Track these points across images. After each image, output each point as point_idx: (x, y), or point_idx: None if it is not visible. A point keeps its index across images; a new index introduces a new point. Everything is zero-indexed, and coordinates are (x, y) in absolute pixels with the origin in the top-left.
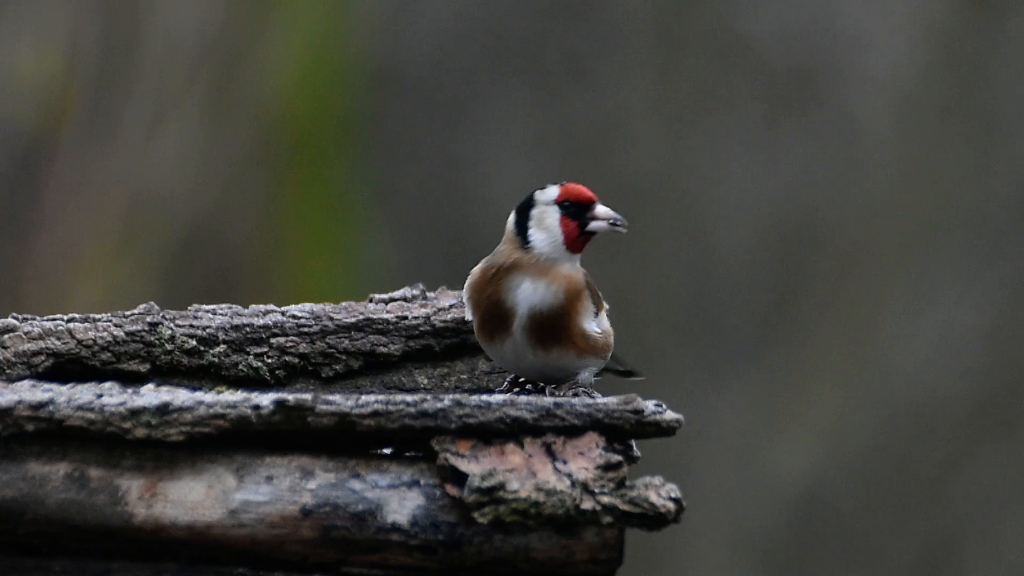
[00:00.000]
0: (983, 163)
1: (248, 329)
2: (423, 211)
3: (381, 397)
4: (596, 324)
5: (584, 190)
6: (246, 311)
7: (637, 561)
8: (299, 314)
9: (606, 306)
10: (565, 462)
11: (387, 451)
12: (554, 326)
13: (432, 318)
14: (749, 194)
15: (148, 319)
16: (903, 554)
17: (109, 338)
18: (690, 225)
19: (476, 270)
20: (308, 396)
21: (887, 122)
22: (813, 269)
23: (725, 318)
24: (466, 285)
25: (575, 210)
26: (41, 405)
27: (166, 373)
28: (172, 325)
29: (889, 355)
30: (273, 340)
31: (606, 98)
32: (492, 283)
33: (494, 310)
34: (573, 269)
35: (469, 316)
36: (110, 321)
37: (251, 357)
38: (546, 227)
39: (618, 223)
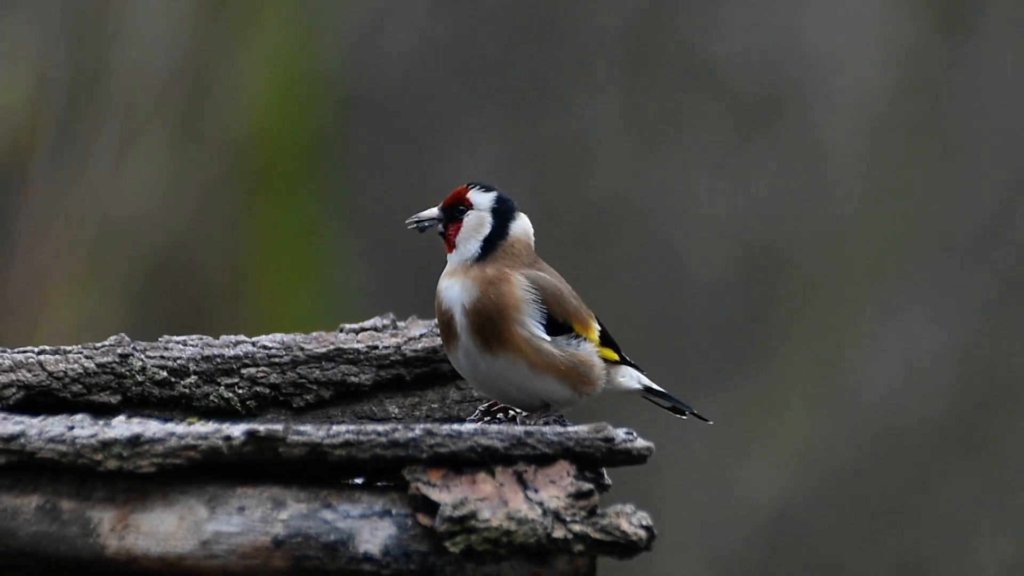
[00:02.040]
0: (950, 184)
1: (219, 360)
2: (394, 235)
3: (352, 427)
4: (549, 337)
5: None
6: (217, 342)
7: None
8: (270, 344)
9: (593, 336)
10: (536, 491)
11: (359, 481)
12: (487, 322)
13: (403, 347)
14: (717, 216)
15: (119, 350)
16: (875, 574)
17: (80, 370)
18: (658, 247)
19: None
20: (279, 427)
21: (854, 144)
22: (781, 290)
23: (693, 340)
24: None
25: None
26: (12, 437)
27: (137, 404)
28: (143, 356)
29: (857, 376)
30: (244, 371)
31: (574, 120)
32: (437, 293)
33: (439, 316)
34: (493, 270)
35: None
36: (81, 353)
37: (222, 388)
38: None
39: (414, 223)
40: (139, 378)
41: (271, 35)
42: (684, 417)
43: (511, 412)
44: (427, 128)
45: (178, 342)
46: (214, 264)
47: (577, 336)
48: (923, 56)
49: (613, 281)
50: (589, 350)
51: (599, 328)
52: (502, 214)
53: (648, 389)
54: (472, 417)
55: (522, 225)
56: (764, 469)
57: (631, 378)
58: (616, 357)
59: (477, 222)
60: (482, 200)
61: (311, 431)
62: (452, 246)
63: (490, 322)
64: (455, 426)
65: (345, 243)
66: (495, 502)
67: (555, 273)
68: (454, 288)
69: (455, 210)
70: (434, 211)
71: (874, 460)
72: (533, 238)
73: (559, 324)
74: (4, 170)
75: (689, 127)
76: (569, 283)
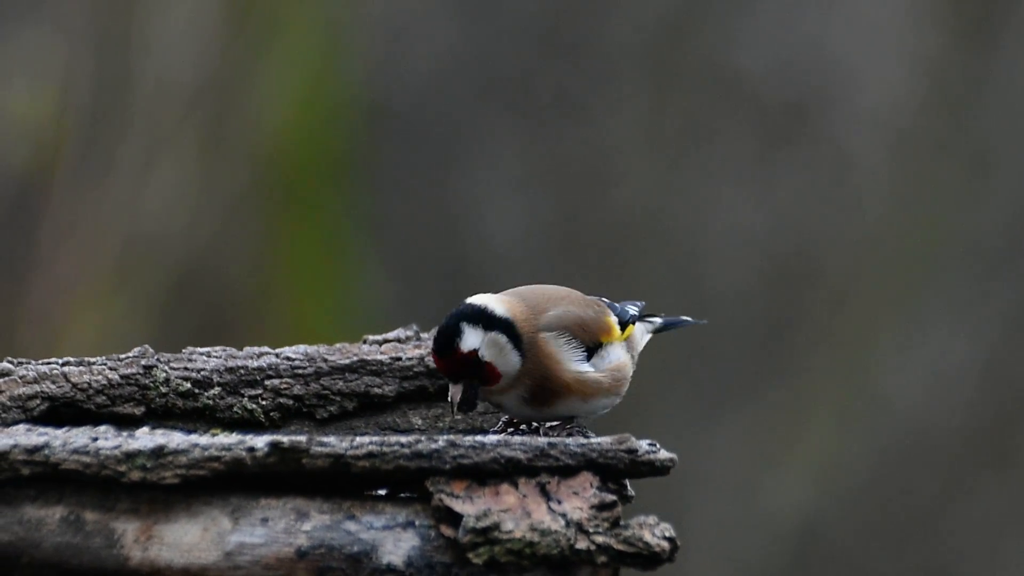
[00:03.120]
0: (976, 195)
1: (242, 371)
2: (418, 247)
3: (375, 438)
4: (588, 363)
5: None
6: (240, 353)
7: None
8: (293, 356)
9: (616, 333)
10: (560, 502)
11: (382, 492)
12: (541, 392)
13: (426, 359)
14: (742, 228)
15: (143, 362)
16: None
17: (104, 381)
18: (683, 259)
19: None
20: (303, 438)
21: (879, 155)
22: (807, 302)
23: (719, 352)
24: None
25: None
26: (36, 449)
27: (161, 416)
28: (167, 368)
29: (884, 387)
30: (267, 382)
31: (598, 133)
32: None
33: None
34: (531, 356)
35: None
36: (105, 364)
37: (246, 399)
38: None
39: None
40: (163, 389)
41: (296, 49)
42: (690, 323)
43: (534, 424)
44: (451, 141)
45: (202, 354)
46: (239, 277)
47: (604, 347)
48: (948, 67)
49: (638, 294)
50: (619, 353)
51: (615, 318)
52: (491, 321)
53: (654, 331)
54: (495, 428)
55: (508, 308)
56: (790, 480)
57: (643, 335)
58: (631, 330)
59: (496, 347)
60: (475, 336)
61: (334, 442)
62: (498, 378)
63: (544, 391)
64: (478, 437)
65: (369, 256)
66: (518, 513)
67: (554, 294)
68: (512, 396)
69: (471, 365)
70: (456, 390)
71: (900, 471)
72: (512, 296)
73: (592, 348)
74: (29, 182)
75: (714, 139)
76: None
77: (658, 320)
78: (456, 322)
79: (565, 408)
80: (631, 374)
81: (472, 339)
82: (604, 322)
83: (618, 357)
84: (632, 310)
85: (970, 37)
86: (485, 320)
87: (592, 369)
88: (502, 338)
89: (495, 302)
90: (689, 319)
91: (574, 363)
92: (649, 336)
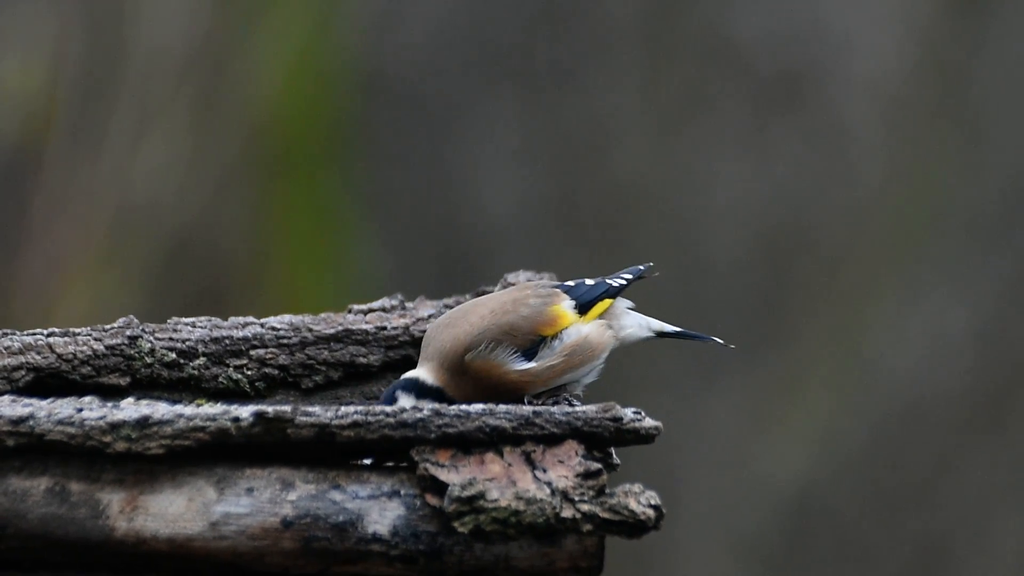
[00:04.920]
0: (971, 163)
1: (227, 341)
2: (413, 218)
3: (360, 408)
4: (532, 360)
5: None
6: (225, 323)
7: (630, 564)
8: (278, 326)
9: (567, 319)
10: (545, 471)
11: (367, 462)
12: (502, 395)
13: (411, 328)
14: (738, 197)
15: (128, 332)
16: (897, 554)
17: (89, 352)
18: (679, 228)
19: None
20: (288, 408)
21: (875, 124)
22: (802, 271)
23: (715, 321)
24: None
25: None
26: (21, 420)
27: (146, 386)
28: (152, 338)
29: (879, 355)
30: (253, 352)
31: (594, 103)
32: None
33: None
34: (458, 390)
35: None
36: (90, 335)
37: (231, 369)
38: None
39: None
40: (148, 360)
41: (289, 17)
42: (711, 343)
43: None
44: (446, 111)
45: (187, 324)
46: (232, 248)
47: (555, 336)
48: (943, 34)
49: (635, 263)
50: (574, 331)
51: (572, 303)
52: (423, 391)
53: (660, 334)
54: None
55: (435, 377)
56: (786, 449)
57: (639, 327)
58: (608, 304)
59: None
60: (409, 401)
61: (319, 412)
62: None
63: (501, 393)
64: (463, 406)
65: (364, 226)
66: (503, 482)
67: (481, 307)
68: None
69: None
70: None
71: (896, 439)
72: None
73: (531, 346)
74: (20, 153)
75: (709, 109)
76: (588, 268)
77: (668, 329)
78: (393, 390)
79: (531, 393)
80: (605, 344)
81: (406, 403)
82: (545, 315)
83: (574, 338)
84: (616, 281)
85: (964, 4)
86: (417, 390)
87: (534, 364)
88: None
89: (425, 374)
90: (719, 340)
91: (515, 364)
92: (649, 335)
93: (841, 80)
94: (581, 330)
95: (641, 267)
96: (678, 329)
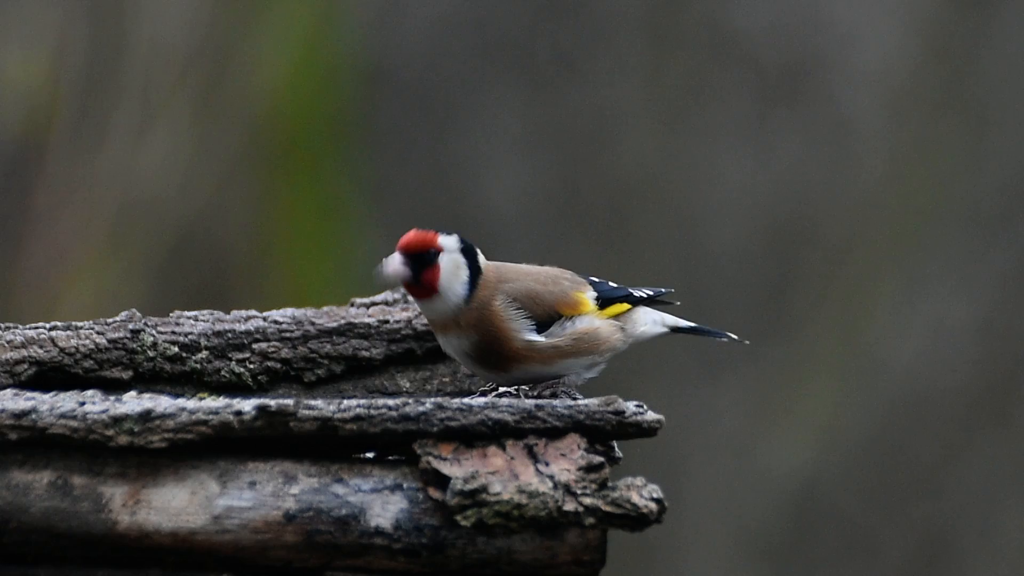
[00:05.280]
0: (974, 155)
1: (230, 335)
2: (416, 209)
3: (363, 401)
4: (542, 334)
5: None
6: (228, 317)
7: (635, 556)
8: (281, 319)
9: (588, 306)
10: (547, 464)
11: (370, 455)
12: (491, 354)
13: (414, 321)
14: (741, 189)
15: (130, 326)
16: (901, 546)
17: (91, 346)
18: (682, 220)
19: None
20: (290, 401)
21: (878, 116)
22: (806, 263)
23: (718, 313)
24: None
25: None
26: (24, 414)
27: (149, 380)
28: (154, 332)
29: (883, 348)
30: (255, 345)
31: (597, 95)
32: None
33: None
34: (479, 308)
35: None
36: (92, 329)
37: (233, 363)
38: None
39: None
40: (150, 353)
41: (292, 10)
42: (725, 340)
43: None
44: (449, 103)
45: (189, 317)
46: (235, 240)
47: (569, 318)
48: (946, 26)
49: (638, 255)
50: (587, 320)
51: (595, 295)
52: (469, 252)
53: (675, 329)
54: (482, 390)
55: (482, 256)
56: (790, 441)
57: (653, 324)
58: (624, 308)
59: (454, 265)
60: (451, 242)
61: (322, 406)
62: (432, 291)
63: (493, 354)
64: (466, 400)
65: (367, 219)
66: (506, 475)
67: (523, 271)
68: (453, 342)
69: (426, 256)
70: (398, 258)
71: (899, 431)
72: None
73: (547, 320)
74: (24, 147)
75: (712, 100)
76: (592, 259)
77: (682, 324)
78: (452, 232)
79: (525, 373)
80: (613, 342)
81: (449, 242)
82: (570, 297)
83: (587, 324)
84: (639, 293)
85: None
86: (467, 249)
87: (543, 339)
88: (464, 268)
89: (482, 258)
90: (733, 336)
91: (524, 332)
92: (663, 330)
93: (844, 72)
94: (594, 321)
95: (663, 289)
96: (693, 325)
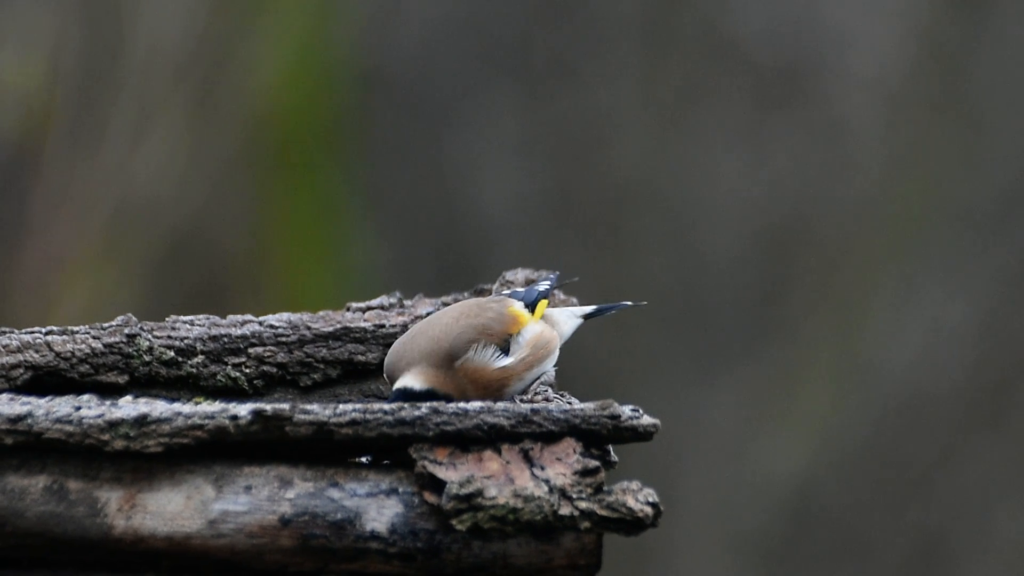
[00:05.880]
0: (970, 158)
1: (226, 339)
2: (412, 213)
3: (359, 406)
4: (508, 356)
5: None
6: (224, 321)
7: (630, 559)
8: (276, 324)
9: (525, 317)
10: (543, 468)
11: (365, 459)
12: (485, 392)
13: (409, 326)
14: (737, 191)
15: (126, 331)
16: (896, 548)
17: (87, 350)
18: (678, 223)
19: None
20: (286, 406)
21: (874, 118)
22: (802, 265)
23: (714, 315)
24: None
25: None
26: (19, 418)
27: (144, 384)
28: (150, 336)
29: (879, 350)
30: (251, 350)
31: (593, 98)
32: None
33: None
34: (434, 362)
35: None
36: (88, 333)
37: (229, 367)
38: None
39: None
40: (146, 358)
41: (288, 12)
42: (627, 306)
43: None
44: (445, 106)
45: (185, 322)
46: (232, 244)
47: (519, 332)
48: (942, 28)
49: (633, 258)
50: (530, 328)
51: (522, 303)
52: (416, 397)
53: (587, 317)
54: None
55: (424, 379)
56: (785, 443)
57: (570, 317)
58: (544, 305)
59: None
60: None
61: (317, 410)
62: None
63: (485, 390)
64: (461, 404)
65: (364, 221)
66: (501, 480)
67: (450, 320)
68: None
69: None
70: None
71: (895, 434)
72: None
73: (504, 344)
74: (19, 150)
75: (708, 103)
76: (587, 262)
77: (589, 309)
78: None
79: (510, 391)
80: (554, 337)
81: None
82: (507, 316)
83: (532, 333)
84: (543, 286)
85: None
86: (407, 398)
87: (512, 359)
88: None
89: (412, 379)
90: (628, 302)
91: (496, 362)
92: (580, 322)
93: (840, 74)
94: (535, 327)
95: (552, 275)
96: (595, 307)
